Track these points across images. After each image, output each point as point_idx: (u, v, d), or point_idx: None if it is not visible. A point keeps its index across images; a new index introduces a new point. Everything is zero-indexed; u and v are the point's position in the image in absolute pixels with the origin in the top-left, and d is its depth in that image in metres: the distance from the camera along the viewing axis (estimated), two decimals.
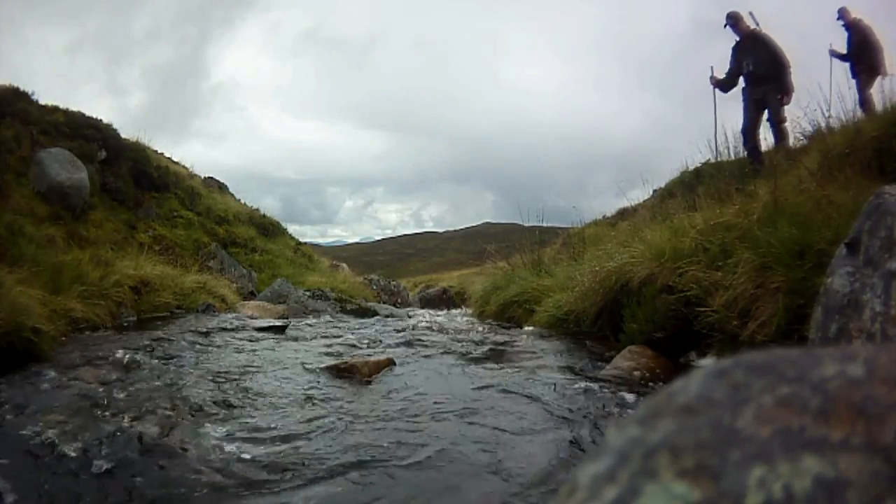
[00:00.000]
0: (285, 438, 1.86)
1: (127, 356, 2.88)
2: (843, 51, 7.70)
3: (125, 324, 4.55)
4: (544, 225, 7.68)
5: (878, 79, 7.23)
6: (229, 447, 1.77)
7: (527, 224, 7.70)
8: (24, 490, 1.42)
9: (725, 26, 6.51)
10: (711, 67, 6.70)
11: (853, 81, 6.75)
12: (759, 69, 6.34)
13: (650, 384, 2.53)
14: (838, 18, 7.78)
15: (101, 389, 2.30)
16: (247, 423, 2.02)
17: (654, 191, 8.06)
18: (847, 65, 7.42)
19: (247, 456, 1.70)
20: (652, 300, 3.12)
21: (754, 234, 2.71)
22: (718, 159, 6.10)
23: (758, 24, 6.52)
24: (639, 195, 8.60)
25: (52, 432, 1.75)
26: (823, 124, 4.31)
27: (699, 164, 6.77)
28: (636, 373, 2.73)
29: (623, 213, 8.70)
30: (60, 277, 4.21)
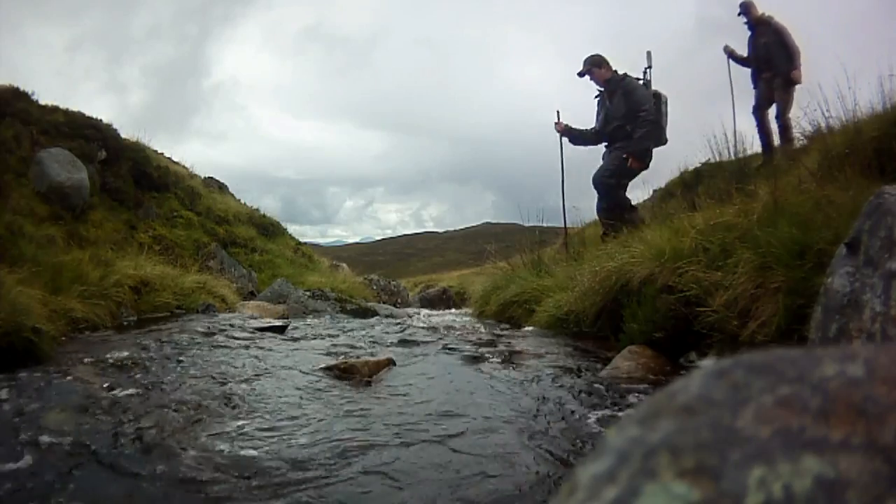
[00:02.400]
0: (285, 438, 1.86)
1: (127, 356, 2.88)
2: (745, 55, 6.68)
3: (125, 324, 4.55)
4: (544, 225, 7.67)
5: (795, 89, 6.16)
6: (229, 447, 1.77)
7: (527, 224, 7.69)
8: (24, 491, 1.42)
9: (582, 75, 5.47)
10: (557, 112, 5.77)
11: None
12: (607, 126, 5.37)
13: (650, 384, 2.53)
14: (740, 14, 6.61)
15: (101, 389, 2.31)
16: (247, 423, 2.02)
17: (654, 191, 8.05)
18: (780, 70, 6.19)
19: (247, 456, 1.70)
20: (652, 300, 3.12)
21: (754, 234, 2.71)
22: (719, 159, 6.09)
23: (649, 68, 5.42)
24: (639, 195, 8.59)
25: (51, 432, 1.75)
26: (823, 124, 4.30)
27: (699, 164, 6.75)
28: (636, 373, 2.73)
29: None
30: (60, 277, 4.21)
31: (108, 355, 2.88)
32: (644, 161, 5.24)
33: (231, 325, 4.40)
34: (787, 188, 3.22)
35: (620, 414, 2.09)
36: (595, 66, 5.34)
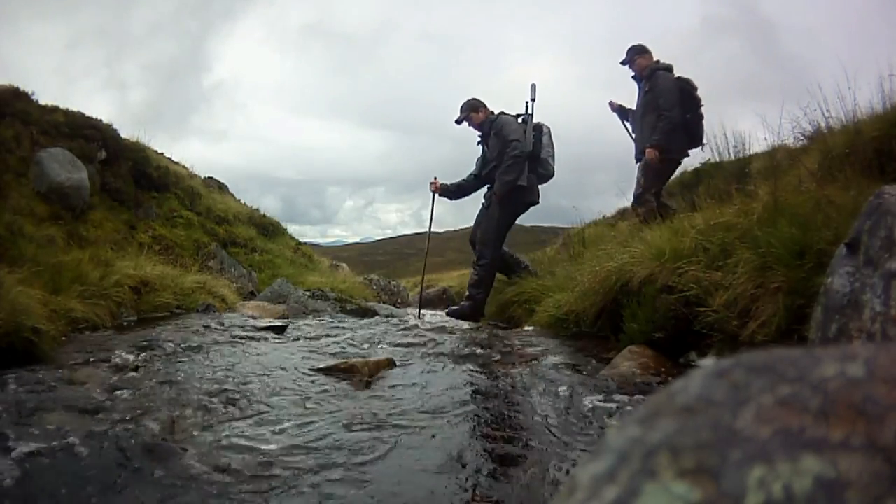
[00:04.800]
0: (286, 438, 1.86)
1: (127, 356, 2.88)
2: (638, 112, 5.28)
3: (125, 324, 4.55)
4: (544, 225, 7.67)
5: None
6: (230, 447, 1.77)
7: (527, 224, 7.70)
8: (24, 491, 1.42)
9: (459, 122, 5.28)
10: (435, 176, 5.69)
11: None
12: (484, 169, 5.29)
13: (650, 384, 2.53)
14: (625, 62, 5.19)
15: (100, 389, 2.30)
16: (247, 422, 2.02)
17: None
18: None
19: (247, 456, 1.70)
20: (652, 300, 3.12)
21: (754, 234, 2.71)
22: (719, 159, 6.08)
23: (532, 101, 5.12)
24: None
25: (51, 433, 1.75)
26: (823, 124, 4.30)
27: (699, 164, 6.75)
28: (636, 373, 2.73)
29: (623, 213, 8.69)
30: (60, 277, 4.21)
31: (109, 355, 2.88)
32: (507, 195, 5.08)
33: (231, 325, 4.40)
34: (787, 188, 3.22)
35: (620, 414, 2.09)
36: (472, 111, 5.19)
